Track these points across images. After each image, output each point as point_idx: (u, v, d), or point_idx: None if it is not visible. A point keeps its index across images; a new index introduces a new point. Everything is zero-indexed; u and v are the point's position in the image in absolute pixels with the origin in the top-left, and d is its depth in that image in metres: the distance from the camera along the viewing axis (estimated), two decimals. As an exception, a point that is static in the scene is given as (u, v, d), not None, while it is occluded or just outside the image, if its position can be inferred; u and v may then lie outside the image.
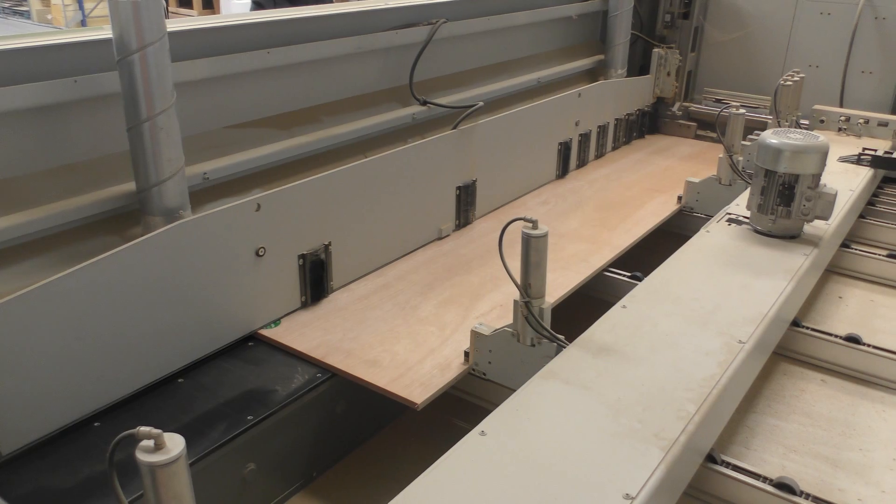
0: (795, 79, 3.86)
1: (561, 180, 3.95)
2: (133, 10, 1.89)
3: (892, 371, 2.36)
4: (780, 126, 3.67)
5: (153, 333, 2.07)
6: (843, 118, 4.06)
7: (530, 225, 1.91)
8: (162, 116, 2.00)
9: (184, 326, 2.15)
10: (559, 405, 1.72)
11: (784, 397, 2.33)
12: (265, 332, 2.38)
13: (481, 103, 3.20)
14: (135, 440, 1.13)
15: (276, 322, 2.44)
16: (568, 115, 3.93)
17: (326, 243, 2.56)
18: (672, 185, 3.80)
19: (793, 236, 2.67)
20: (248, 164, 2.52)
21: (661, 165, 4.24)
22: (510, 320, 2.06)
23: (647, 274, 2.45)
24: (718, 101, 4.74)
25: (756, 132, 3.25)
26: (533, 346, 2.03)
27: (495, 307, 2.58)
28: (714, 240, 2.68)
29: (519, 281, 1.97)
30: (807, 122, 4.12)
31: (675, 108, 4.89)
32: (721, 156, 3.38)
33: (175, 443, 1.15)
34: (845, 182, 3.20)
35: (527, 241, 1.92)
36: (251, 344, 2.35)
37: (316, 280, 2.55)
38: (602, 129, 4.28)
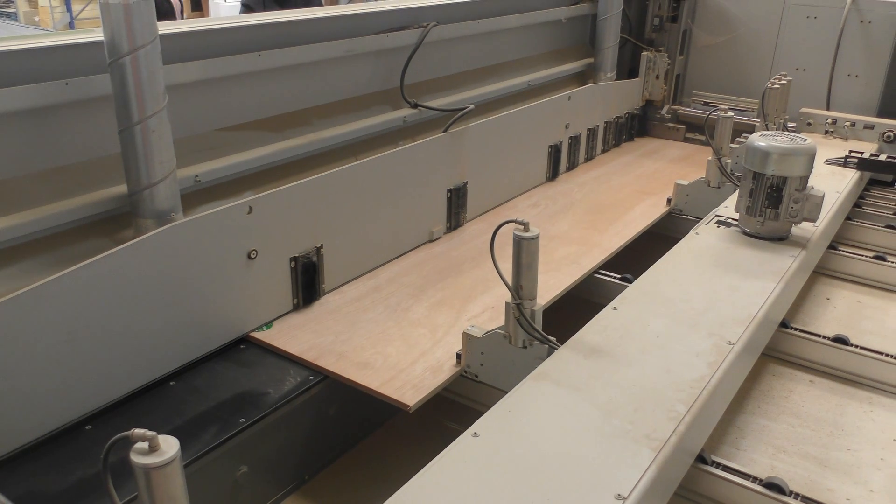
0: (783, 82, 3.89)
1: (551, 183, 3.97)
2: (124, 12, 1.88)
3: (880, 371, 2.39)
4: (767, 129, 3.70)
5: (145, 336, 2.07)
6: (829, 121, 4.09)
7: (522, 227, 1.92)
8: (153, 119, 2.00)
9: (176, 329, 2.15)
10: (551, 407, 1.73)
11: (773, 398, 2.35)
12: (257, 335, 2.38)
13: (472, 106, 3.22)
14: (129, 442, 1.13)
15: (269, 325, 2.44)
16: (558, 118, 3.95)
17: (318, 246, 2.56)
18: (661, 188, 3.82)
19: (781, 238, 2.69)
20: (240, 167, 2.52)
21: (651, 168, 4.26)
22: (502, 322, 2.07)
23: (637, 276, 2.47)
24: (707, 104, 4.78)
25: (744, 135, 3.27)
26: (525, 347, 2.03)
27: (487, 309, 2.59)
28: (703, 242, 2.70)
29: (510, 283, 1.97)
30: (794, 124, 4.16)
31: (663, 111, 4.92)
32: (710, 158, 3.40)
33: (169, 445, 1.15)
34: (832, 184, 3.24)
35: (518, 243, 1.93)
36: (243, 346, 2.35)
37: (308, 282, 2.55)
38: (592, 132, 4.30)
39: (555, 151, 3.95)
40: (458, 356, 2.23)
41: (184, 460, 1.18)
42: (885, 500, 1.91)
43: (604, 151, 4.50)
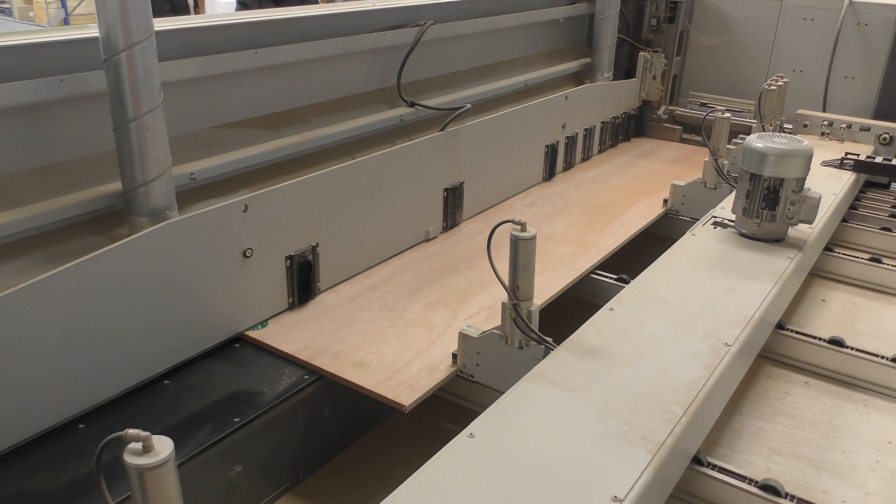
0: (779, 83, 3.89)
1: (548, 182, 3.96)
2: (120, 8, 1.87)
3: (875, 373, 2.39)
4: (764, 130, 3.70)
5: (139, 335, 2.06)
6: (826, 122, 4.10)
7: (519, 227, 1.91)
8: (149, 116, 1.99)
9: (170, 328, 2.14)
10: (547, 407, 1.73)
11: (769, 400, 2.35)
12: (252, 334, 2.37)
13: (469, 105, 3.21)
14: (122, 443, 1.12)
15: (264, 323, 2.43)
16: (555, 118, 3.95)
17: (314, 244, 2.55)
18: (658, 188, 3.82)
19: (777, 240, 2.69)
20: (236, 165, 2.50)
21: (647, 168, 4.26)
22: (498, 322, 2.06)
23: (633, 276, 2.46)
24: (703, 104, 4.78)
25: (741, 136, 3.27)
26: (521, 348, 2.03)
27: (483, 309, 2.59)
28: (699, 243, 2.70)
29: (507, 283, 1.97)
30: (790, 126, 4.16)
31: (660, 112, 4.92)
32: (706, 159, 3.40)
33: (163, 445, 1.14)
34: (828, 186, 3.24)
35: (515, 243, 1.92)
36: (238, 345, 2.34)
37: (303, 281, 2.54)
38: (588, 132, 4.30)
39: (551, 151, 3.95)
40: (454, 356, 2.22)
41: (178, 460, 1.17)
42: (881, 502, 1.91)
43: (600, 152, 4.50)
